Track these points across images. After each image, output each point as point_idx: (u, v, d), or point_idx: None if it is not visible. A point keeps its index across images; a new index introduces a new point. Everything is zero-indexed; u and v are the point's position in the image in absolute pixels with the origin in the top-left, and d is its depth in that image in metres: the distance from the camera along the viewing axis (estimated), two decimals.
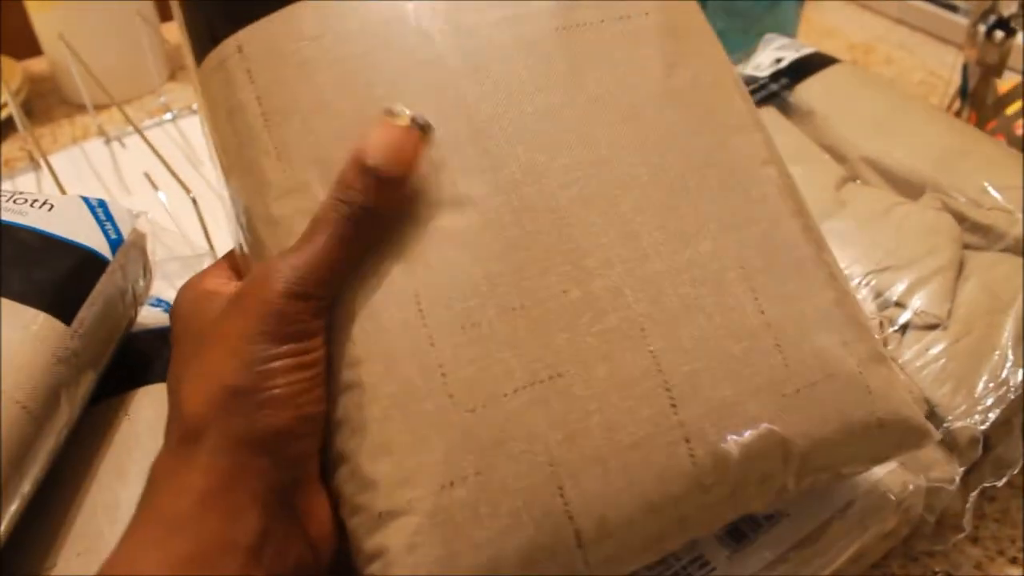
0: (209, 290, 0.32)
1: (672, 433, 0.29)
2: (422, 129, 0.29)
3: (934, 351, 0.43)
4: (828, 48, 0.64)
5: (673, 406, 0.29)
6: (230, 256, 0.34)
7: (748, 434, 0.29)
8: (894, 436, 0.32)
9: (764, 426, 0.29)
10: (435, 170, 0.30)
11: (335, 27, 0.31)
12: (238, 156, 0.32)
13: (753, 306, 0.31)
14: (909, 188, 0.52)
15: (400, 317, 0.29)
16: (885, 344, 0.44)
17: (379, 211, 0.29)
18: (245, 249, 0.33)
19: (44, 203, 0.40)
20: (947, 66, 0.85)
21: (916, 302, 0.44)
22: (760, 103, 0.60)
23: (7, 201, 0.40)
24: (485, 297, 0.29)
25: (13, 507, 0.33)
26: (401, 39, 0.31)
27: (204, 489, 0.27)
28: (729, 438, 0.29)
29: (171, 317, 0.32)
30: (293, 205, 0.30)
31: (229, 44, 0.32)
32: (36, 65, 0.92)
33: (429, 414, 0.28)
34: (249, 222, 0.32)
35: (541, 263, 0.30)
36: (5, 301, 0.35)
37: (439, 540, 0.27)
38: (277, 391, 0.27)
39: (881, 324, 0.44)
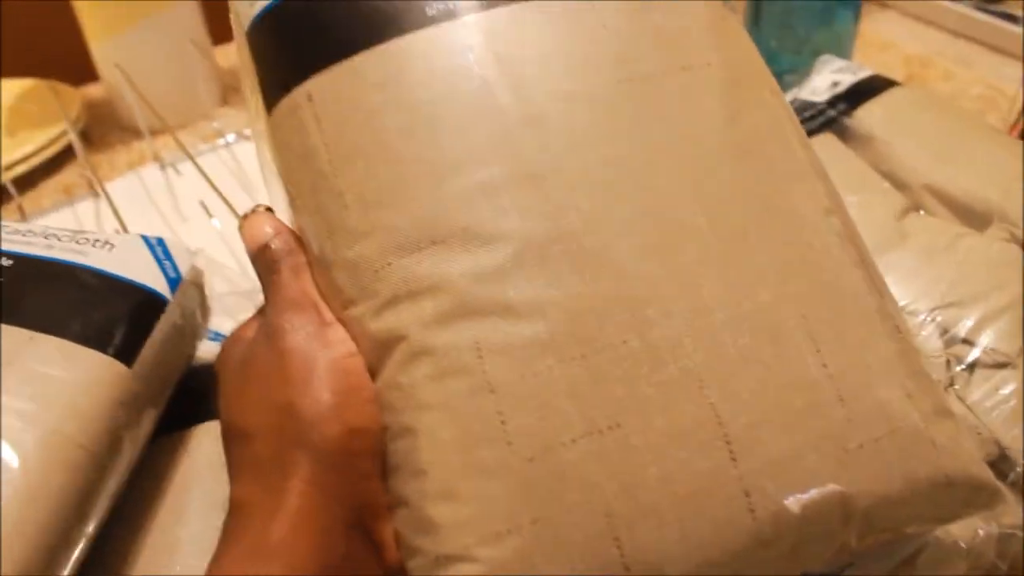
0: (249, 336, 0.34)
1: (731, 487, 0.28)
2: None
3: (1005, 391, 0.41)
4: (883, 62, 0.63)
5: (733, 459, 0.28)
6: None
7: (810, 489, 0.28)
8: (961, 495, 0.31)
9: (826, 481, 0.29)
10: (495, 218, 0.30)
11: (399, 76, 0.32)
12: (310, 199, 0.33)
13: (815, 358, 0.30)
14: (975, 218, 0.50)
15: (460, 363, 0.29)
16: (952, 383, 0.43)
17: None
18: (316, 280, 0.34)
19: (105, 243, 0.41)
20: (1007, 79, 0.82)
21: (984, 339, 0.43)
22: (818, 129, 0.59)
23: (70, 241, 0.41)
24: (545, 346, 0.29)
25: (78, 551, 0.33)
26: (464, 89, 0.32)
27: (295, 513, 0.29)
28: (790, 493, 0.28)
29: (217, 364, 0.34)
30: (359, 249, 0.31)
31: (300, 93, 0.33)
32: (93, 91, 0.94)
33: (487, 461, 0.28)
34: (320, 263, 0.33)
35: (600, 313, 0.29)
36: (67, 344, 0.36)
37: None
38: (322, 404, 0.30)
39: (948, 363, 0.43)
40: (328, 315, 0.33)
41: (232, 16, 0.38)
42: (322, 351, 0.31)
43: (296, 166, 0.34)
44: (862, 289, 0.32)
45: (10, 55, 0.96)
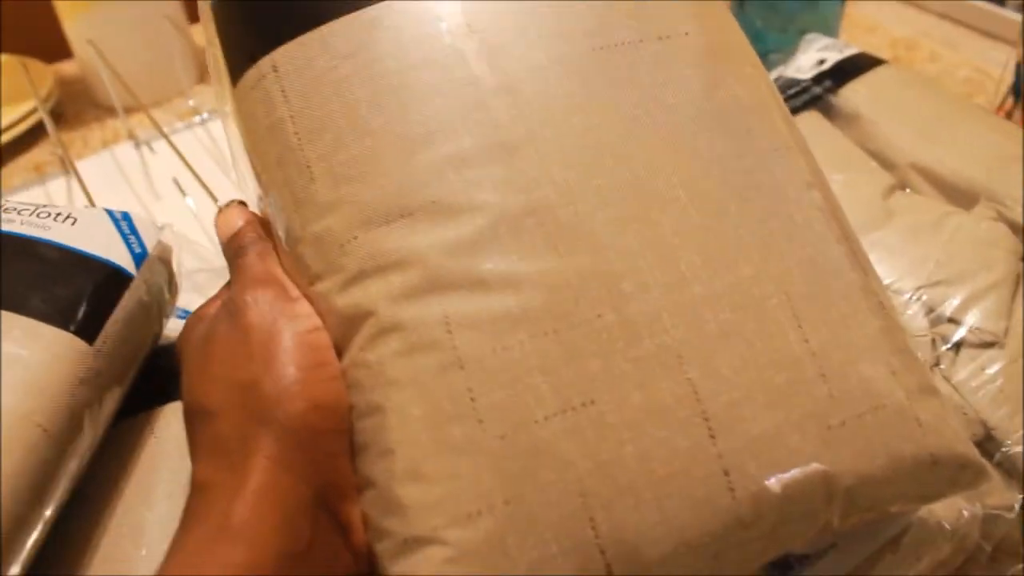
0: (212, 314, 0.33)
1: (710, 465, 0.27)
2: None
3: (990, 371, 0.41)
4: (870, 44, 0.62)
5: (712, 437, 0.28)
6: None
7: (791, 468, 0.28)
8: (946, 473, 0.30)
9: (808, 460, 0.28)
10: (466, 189, 0.29)
11: (369, 45, 0.31)
12: (276, 172, 0.32)
13: (797, 334, 0.29)
14: (962, 197, 0.50)
15: (429, 338, 0.28)
16: (938, 363, 0.42)
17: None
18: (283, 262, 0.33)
19: (68, 217, 0.39)
20: (993, 62, 0.82)
21: (971, 319, 0.42)
22: (803, 107, 0.58)
23: (31, 215, 0.39)
24: (517, 320, 0.28)
25: (36, 534, 0.32)
26: (435, 58, 0.31)
27: (258, 492, 0.28)
28: (771, 472, 0.28)
29: (179, 342, 0.34)
30: (325, 223, 0.30)
31: (265, 63, 0.32)
32: (67, 68, 0.92)
33: (457, 439, 0.27)
34: (287, 239, 0.32)
35: (575, 286, 0.29)
36: (26, 320, 0.35)
37: (465, 571, 0.26)
38: (287, 379, 0.29)
39: (934, 342, 0.42)
40: (294, 291, 0.32)
41: None
42: (286, 325, 0.30)
43: (262, 139, 0.33)
44: (845, 265, 0.31)
45: None
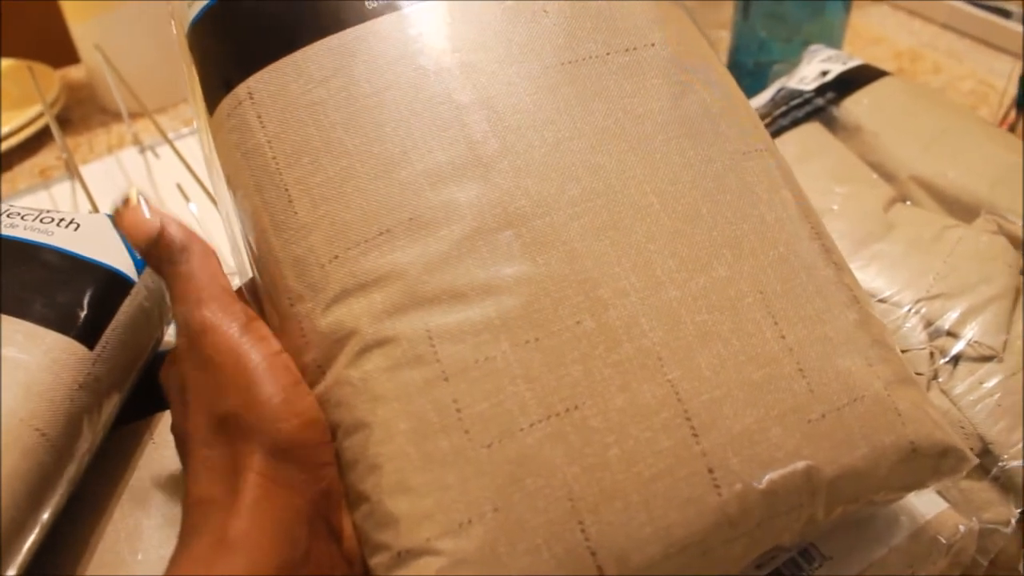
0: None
1: (694, 463, 0.28)
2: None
3: (988, 385, 0.41)
4: (874, 56, 0.62)
5: (695, 436, 0.28)
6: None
7: (774, 463, 0.28)
8: (928, 461, 0.31)
9: (790, 454, 0.28)
10: (443, 205, 0.30)
11: (341, 70, 0.32)
12: (255, 197, 0.32)
13: (773, 331, 0.30)
14: (963, 210, 0.50)
15: (413, 353, 0.29)
16: (936, 376, 0.42)
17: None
18: (259, 287, 0.33)
19: (71, 222, 0.40)
20: (997, 74, 0.82)
21: (969, 332, 0.42)
22: (805, 118, 0.58)
23: (34, 220, 0.39)
24: (498, 331, 0.29)
25: (33, 537, 0.32)
26: (406, 79, 0.32)
27: (254, 506, 0.28)
28: (754, 467, 0.28)
29: (160, 379, 0.33)
30: (305, 244, 0.31)
31: (240, 90, 0.33)
32: (74, 73, 0.92)
33: (445, 450, 0.28)
34: (260, 262, 0.32)
35: (553, 295, 0.29)
36: (26, 325, 0.35)
37: None
38: (271, 403, 0.29)
39: (932, 355, 0.42)
40: (250, 309, 0.31)
41: (172, 20, 0.38)
42: (252, 348, 0.30)
43: (240, 165, 0.33)
44: (819, 261, 0.32)
45: None
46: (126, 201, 0.32)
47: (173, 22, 0.38)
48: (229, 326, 0.30)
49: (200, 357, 0.30)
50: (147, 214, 0.32)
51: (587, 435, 0.28)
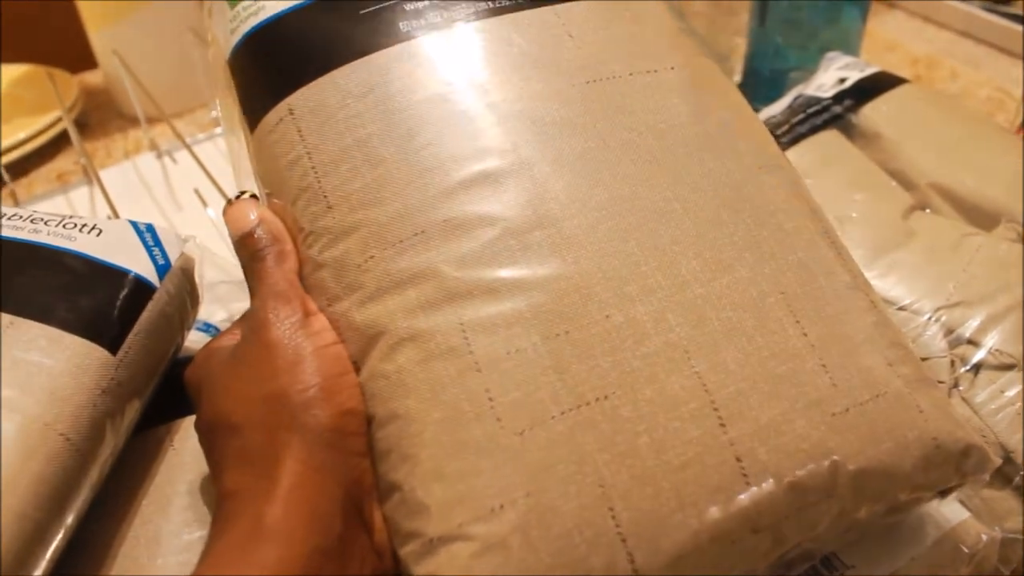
0: (227, 346, 0.34)
1: (723, 452, 0.28)
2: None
3: (1010, 393, 0.40)
4: (890, 62, 0.62)
5: (722, 425, 0.29)
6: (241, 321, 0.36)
7: (799, 453, 0.29)
8: (951, 459, 0.31)
9: (815, 445, 0.29)
10: (476, 208, 0.32)
11: (378, 86, 0.34)
12: (296, 206, 0.34)
13: (795, 329, 0.31)
14: (982, 218, 0.50)
15: (446, 345, 0.30)
16: (956, 384, 0.42)
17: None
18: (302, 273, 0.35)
19: (93, 228, 0.40)
20: (1015, 82, 0.82)
21: (990, 340, 0.42)
22: (823, 126, 0.58)
23: (58, 226, 0.40)
24: (529, 324, 0.30)
25: (57, 540, 0.32)
26: (440, 91, 0.34)
27: (289, 493, 0.28)
28: (780, 457, 0.29)
29: (191, 372, 0.34)
30: (343, 247, 0.33)
31: (281, 107, 0.35)
32: (92, 78, 0.93)
33: (477, 438, 0.28)
34: (306, 265, 0.34)
35: (582, 291, 0.30)
36: (50, 330, 0.35)
37: (491, 565, 0.27)
38: (312, 389, 0.30)
39: (952, 363, 0.42)
40: (311, 304, 0.33)
41: (211, 51, 0.40)
42: (307, 340, 0.31)
43: (281, 178, 0.35)
44: (836, 267, 0.33)
45: (10, 42, 0.96)
46: (239, 195, 0.36)
47: (212, 55, 0.40)
48: (289, 317, 0.32)
49: (259, 344, 0.32)
50: (251, 213, 0.35)
51: (617, 423, 0.28)
